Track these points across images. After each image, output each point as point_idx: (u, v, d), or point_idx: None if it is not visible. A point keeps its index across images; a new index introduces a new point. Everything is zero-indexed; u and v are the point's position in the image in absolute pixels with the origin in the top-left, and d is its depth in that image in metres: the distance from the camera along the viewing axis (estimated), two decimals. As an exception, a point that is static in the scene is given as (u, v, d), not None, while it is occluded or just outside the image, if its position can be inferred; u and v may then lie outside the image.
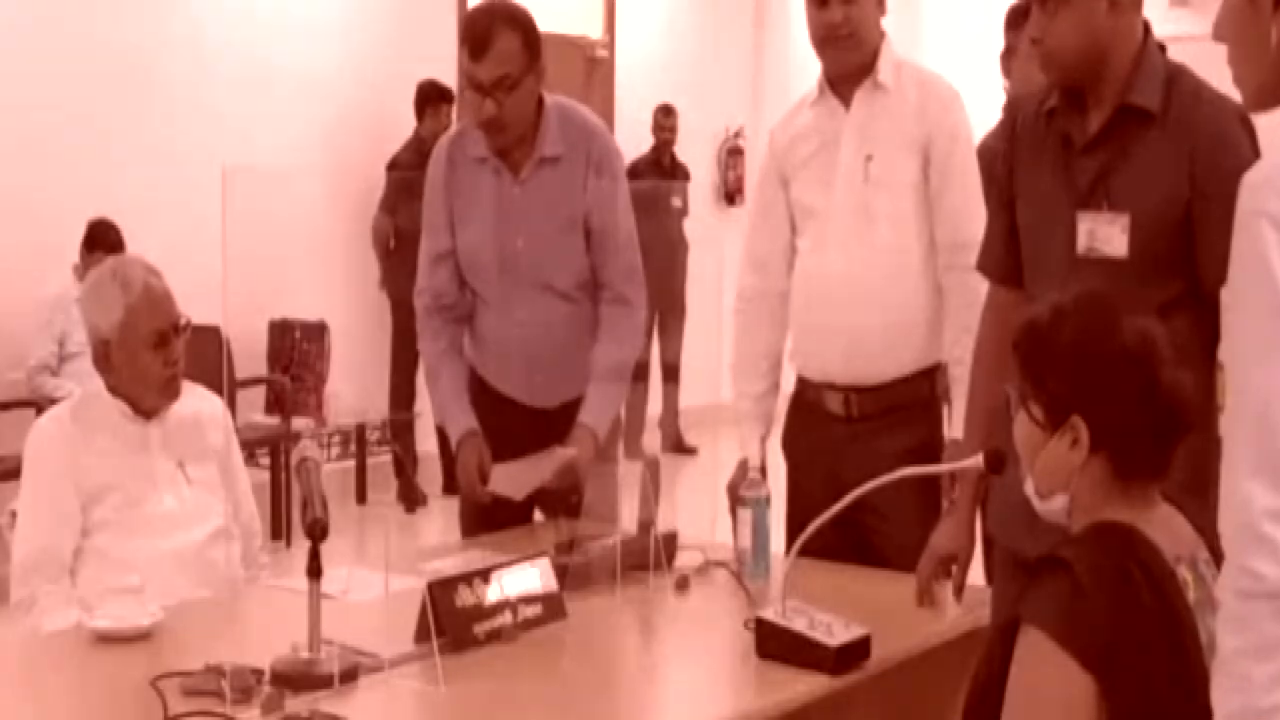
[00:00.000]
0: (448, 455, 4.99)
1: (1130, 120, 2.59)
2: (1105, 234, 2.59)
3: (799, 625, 2.44)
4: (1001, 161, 2.85)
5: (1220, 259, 2.57)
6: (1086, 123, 2.64)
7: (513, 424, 3.41)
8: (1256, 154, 2.61)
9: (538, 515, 3.45)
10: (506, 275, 3.38)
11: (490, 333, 3.45)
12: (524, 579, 2.64)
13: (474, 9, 3.43)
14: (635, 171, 8.92)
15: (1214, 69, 3.20)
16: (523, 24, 3.29)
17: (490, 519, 3.35)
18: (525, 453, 3.35)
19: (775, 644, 2.45)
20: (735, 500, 3.05)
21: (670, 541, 3.01)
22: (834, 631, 2.42)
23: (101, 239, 6.10)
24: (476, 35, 3.25)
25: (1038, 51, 2.65)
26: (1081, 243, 2.62)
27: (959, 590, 2.83)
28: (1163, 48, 2.66)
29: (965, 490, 2.90)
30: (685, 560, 3.02)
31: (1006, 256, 2.82)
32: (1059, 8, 2.56)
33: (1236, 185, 2.59)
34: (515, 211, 3.35)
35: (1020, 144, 2.78)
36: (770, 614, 2.47)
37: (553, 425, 3.38)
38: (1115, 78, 2.59)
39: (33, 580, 2.89)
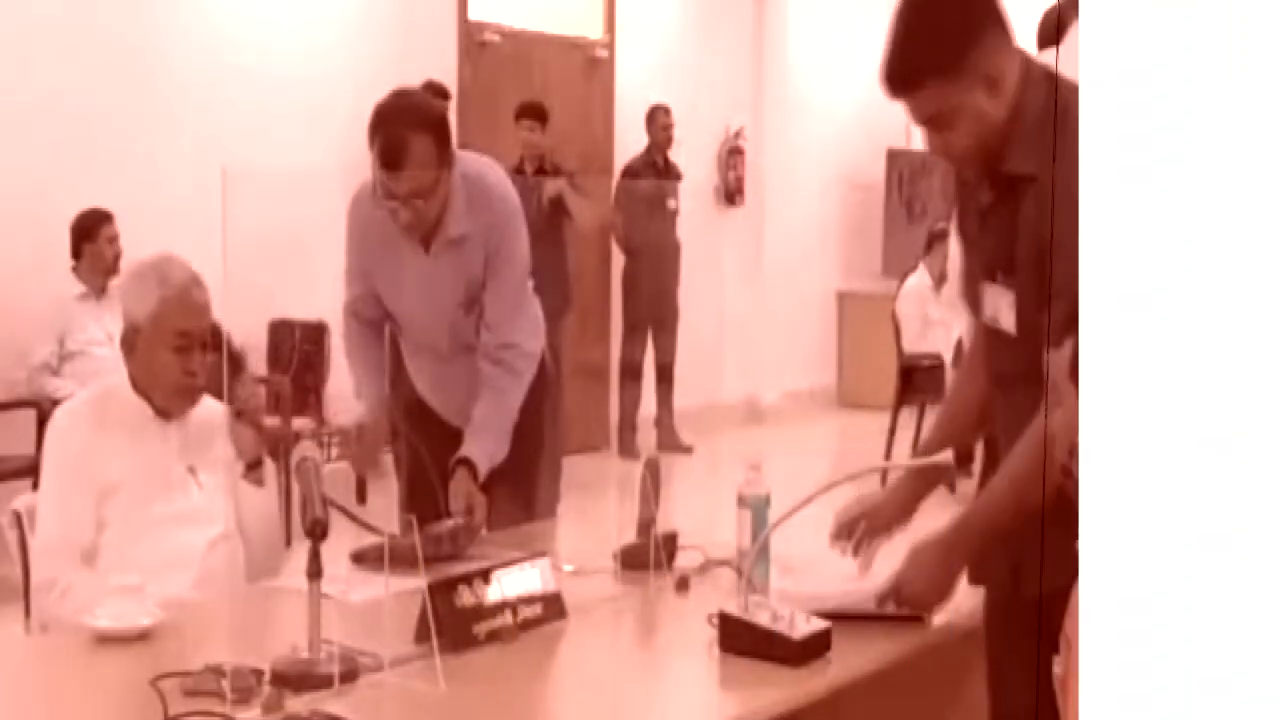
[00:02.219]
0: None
1: (1016, 186, 2.37)
2: (996, 306, 2.46)
3: (762, 619, 2.44)
4: None
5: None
6: (981, 195, 2.49)
7: (436, 436, 3.51)
8: None
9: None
10: (404, 333, 3.53)
11: (409, 359, 3.61)
12: (524, 579, 2.64)
13: (381, 106, 3.21)
14: (631, 172, 8.92)
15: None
16: (434, 122, 3.17)
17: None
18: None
19: (738, 638, 2.46)
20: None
21: (670, 541, 3.01)
22: (796, 625, 2.43)
23: (93, 228, 6.22)
24: (389, 146, 3.10)
25: (940, 161, 2.53)
26: (986, 314, 2.51)
27: (856, 552, 2.71)
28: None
29: (908, 479, 2.78)
30: (685, 560, 3.03)
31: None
32: (950, 122, 2.36)
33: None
34: (421, 282, 3.39)
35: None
36: (733, 608, 2.48)
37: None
38: (995, 150, 2.38)
39: (54, 563, 2.89)
